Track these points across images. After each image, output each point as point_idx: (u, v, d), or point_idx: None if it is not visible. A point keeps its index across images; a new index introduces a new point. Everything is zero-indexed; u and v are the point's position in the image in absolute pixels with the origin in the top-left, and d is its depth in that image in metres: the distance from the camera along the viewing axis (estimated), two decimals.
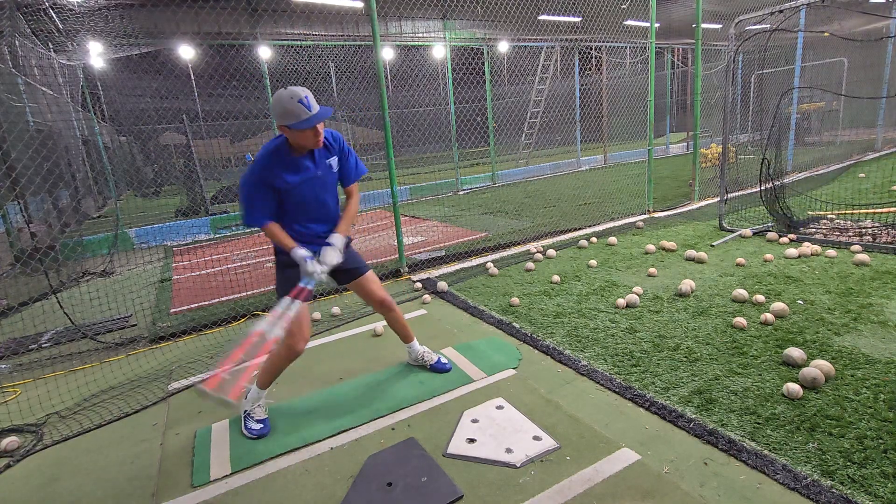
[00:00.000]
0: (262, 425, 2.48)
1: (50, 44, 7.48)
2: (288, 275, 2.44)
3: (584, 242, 5.38)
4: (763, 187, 5.13)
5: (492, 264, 4.85)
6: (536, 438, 2.24)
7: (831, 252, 4.30)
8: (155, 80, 12.01)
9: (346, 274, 2.66)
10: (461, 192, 10.94)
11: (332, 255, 2.42)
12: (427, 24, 12.48)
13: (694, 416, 2.29)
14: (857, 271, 3.89)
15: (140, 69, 11.27)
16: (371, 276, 2.74)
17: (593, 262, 4.68)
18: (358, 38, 12.99)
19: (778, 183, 5.15)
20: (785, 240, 4.81)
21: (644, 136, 7.18)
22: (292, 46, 11.98)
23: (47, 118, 6.86)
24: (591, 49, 14.13)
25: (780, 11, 4.80)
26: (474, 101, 12.20)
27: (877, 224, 4.89)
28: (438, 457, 2.18)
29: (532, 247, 5.47)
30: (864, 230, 4.76)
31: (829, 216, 5.36)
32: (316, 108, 2.26)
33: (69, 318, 3.92)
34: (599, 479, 1.97)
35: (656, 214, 6.69)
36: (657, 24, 7.18)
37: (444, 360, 3.00)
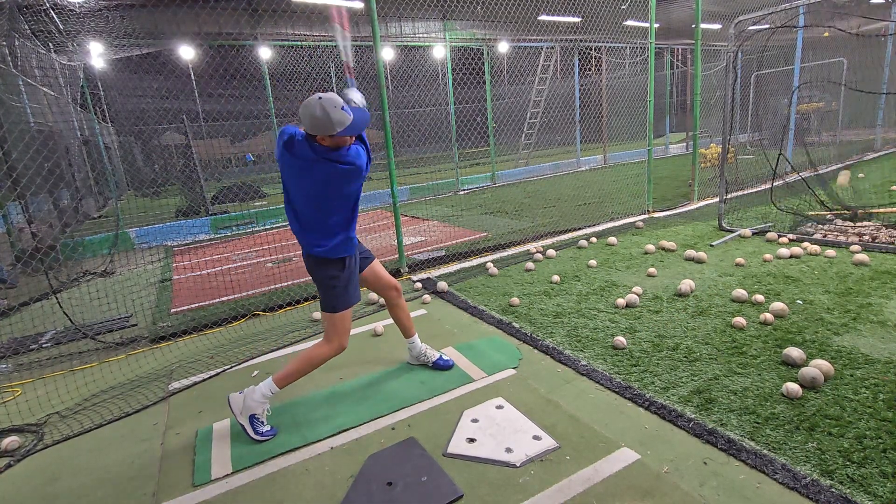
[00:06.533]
0: (270, 426, 2.48)
1: (50, 44, 7.48)
2: (346, 283, 2.48)
3: (583, 242, 5.39)
4: (776, 183, 5.10)
5: (492, 264, 4.86)
6: (536, 438, 2.24)
7: (830, 252, 4.31)
8: (155, 81, 12.01)
9: (363, 261, 2.73)
10: (461, 193, 10.94)
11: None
12: (427, 25, 12.49)
13: (693, 415, 2.29)
14: (856, 271, 3.89)
15: (140, 69, 11.27)
16: (379, 262, 2.84)
17: (593, 262, 4.69)
18: (358, 39, 12.99)
19: (805, 174, 5.12)
20: (784, 240, 4.81)
21: (643, 136, 7.18)
22: (292, 47, 11.99)
23: (48, 118, 6.87)
24: (591, 49, 14.15)
25: (781, 11, 4.81)
26: (474, 101, 12.20)
27: (876, 224, 4.90)
28: (438, 456, 2.18)
29: (532, 247, 5.47)
30: (863, 230, 4.77)
31: (835, 220, 5.28)
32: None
33: (69, 318, 3.92)
34: (599, 478, 1.97)
35: (656, 214, 6.70)
36: (657, 25, 7.18)
37: (445, 357, 3.01)
